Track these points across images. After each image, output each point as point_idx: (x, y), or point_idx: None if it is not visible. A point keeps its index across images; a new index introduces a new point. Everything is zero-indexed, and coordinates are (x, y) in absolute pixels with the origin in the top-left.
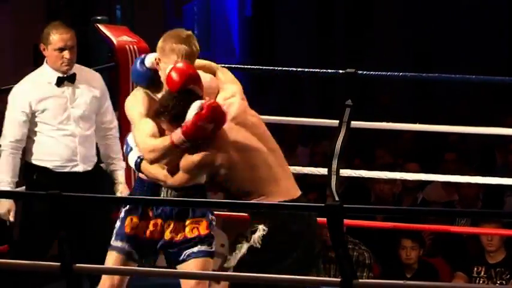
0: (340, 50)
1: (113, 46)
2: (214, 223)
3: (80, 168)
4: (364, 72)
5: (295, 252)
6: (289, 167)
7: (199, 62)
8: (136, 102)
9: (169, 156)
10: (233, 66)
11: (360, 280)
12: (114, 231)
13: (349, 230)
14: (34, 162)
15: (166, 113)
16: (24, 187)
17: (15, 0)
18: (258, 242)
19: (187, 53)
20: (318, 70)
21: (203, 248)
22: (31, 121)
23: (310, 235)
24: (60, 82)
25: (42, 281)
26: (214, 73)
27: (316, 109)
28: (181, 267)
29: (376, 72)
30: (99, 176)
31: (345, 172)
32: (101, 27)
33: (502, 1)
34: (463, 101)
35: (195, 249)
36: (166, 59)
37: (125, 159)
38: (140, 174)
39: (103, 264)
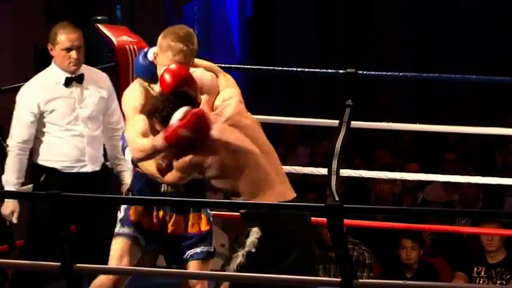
0: (340, 50)
1: (113, 46)
2: (211, 218)
3: (88, 168)
4: (364, 72)
5: (292, 254)
6: (290, 167)
7: (203, 62)
8: (132, 96)
9: (157, 156)
10: (233, 66)
11: (360, 280)
12: (118, 219)
13: (349, 230)
14: (42, 163)
15: (157, 114)
16: (29, 186)
17: (15, 0)
18: (253, 245)
19: (183, 51)
20: (318, 70)
21: (205, 248)
22: (39, 122)
23: (307, 236)
24: (68, 82)
25: (44, 280)
26: (216, 76)
27: (316, 109)
28: (184, 268)
29: (376, 72)
30: (107, 176)
31: (345, 172)
32: (101, 27)
33: (502, 1)
34: (463, 101)
35: (198, 249)
36: (163, 55)
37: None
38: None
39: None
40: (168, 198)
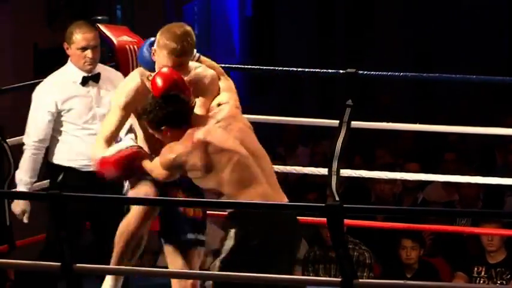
0: (340, 50)
1: (113, 46)
2: None
3: None
4: (365, 72)
5: (271, 258)
6: (290, 167)
7: (208, 62)
8: (123, 91)
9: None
10: (233, 66)
11: (361, 280)
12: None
13: (350, 230)
14: (59, 162)
15: (144, 116)
16: (44, 182)
17: (15, 0)
18: (229, 250)
19: (178, 51)
20: (318, 70)
21: (203, 237)
22: (56, 121)
23: (289, 241)
24: (85, 81)
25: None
26: (218, 77)
27: (316, 109)
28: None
29: (377, 72)
30: None
31: (345, 172)
32: (101, 27)
33: (502, 1)
34: (463, 101)
35: (201, 237)
36: (160, 52)
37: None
38: None
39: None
40: (169, 198)
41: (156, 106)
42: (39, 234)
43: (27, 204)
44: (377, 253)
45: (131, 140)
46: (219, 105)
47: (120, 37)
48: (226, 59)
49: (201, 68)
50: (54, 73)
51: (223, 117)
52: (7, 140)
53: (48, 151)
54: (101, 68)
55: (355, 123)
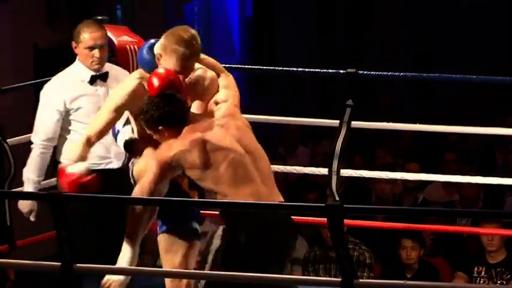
0: (340, 50)
1: (114, 46)
2: None
3: (114, 165)
4: (365, 72)
5: (258, 257)
6: (290, 167)
7: (208, 60)
8: (120, 93)
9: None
10: (233, 66)
11: (361, 280)
12: None
13: (350, 230)
14: (67, 161)
15: (141, 116)
16: (52, 180)
17: (15, 0)
18: (217, 249)
19: (188, 56)
20: (319, 70)
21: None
22: (64, 119)
23: (277, 240)
24: (93, 80)
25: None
26: (219, 75)
27: (316, 109)
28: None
29: (377, 72)
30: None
31: (346, 172)
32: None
33: (502, 1)
34: (463, 101)
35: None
36: (167, 57)
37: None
38: None
39: None
40: (169, 198)
41: (153, 106)
42: (39, 234)
43: (34, 203)
44: (377, 253)
45: (129, 131)
46: (217, 103)
47: (120, 37)
48: (226, 59)
49: (200, 70)
50: (62, 72)
51: (221, 115)
52: (7, 140)
53: (56, 150)
54: (108, 66)
55: (355, 123)
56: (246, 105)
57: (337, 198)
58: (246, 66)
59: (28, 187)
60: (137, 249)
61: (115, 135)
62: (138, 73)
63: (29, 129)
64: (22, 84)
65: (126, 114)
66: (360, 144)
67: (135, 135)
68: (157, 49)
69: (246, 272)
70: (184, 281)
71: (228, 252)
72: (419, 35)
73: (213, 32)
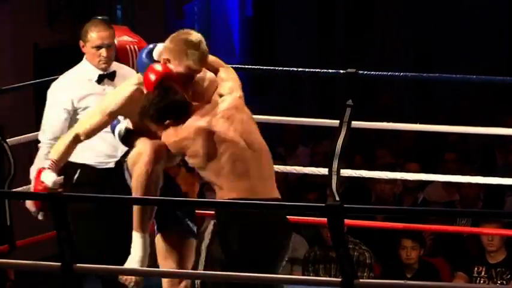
0: (340, 50)
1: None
2: None
3: None
4: (365, 72)
5: (254, 254)
6: (290, 167)
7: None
8: (117, 97)
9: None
10: (233, 66)
11: (361, 280)
12: None
13: (350, 230)
14: (74, 159)
15: (146, 113)
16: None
17: (15, 0)
18: (208, 243)
19: (201, 58)
20: (319, 70)
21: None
22: (72, 118)
23: (273, 236)
24: (100, 79)
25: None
26: (217, 69)
27: (316, 109)
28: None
29: (377, 72)
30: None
31: (346, 172)
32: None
33: (502, 1)
34: (463, 101)
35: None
36: (176, 62)
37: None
38: None
39: None
40: (169, 198)
41: (156, 99)
42: (39, 234)
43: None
44: (377, 253)
45: (126, 124)
46: (221, 96)
47: (120, 37)
48: (226, 59)
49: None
50: (69, 71)
51: (226, 107)
52: (7, 140)
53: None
54: (115, 65)
55: (355, 123)
56: (246, 105)
57: (337, 198)
58: (246, 66)
59: None
60: (148, 239)
61: (113, 127)
62: (137, 78)
63: (29, 129)
64: (22, 84)
65: None
66: (360, 144)
67: (131, 126)
68: (163, 54)
69: (233, 268)
70: (182, 283)
71: (217, 248)
72: (420, 35)
73: (213, 32)
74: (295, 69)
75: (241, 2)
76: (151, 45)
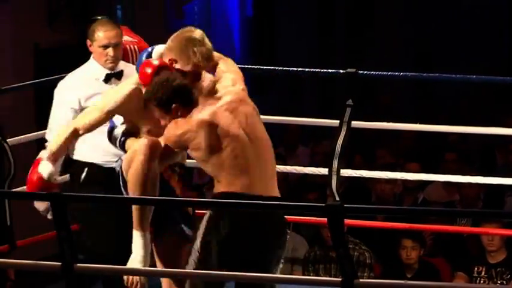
0: (340, 50)
1: None
2: None
3: None
4: (365, 72)
5: (245, 250)
6: (290, 167)
7: None
8: (116, 96)
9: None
10: None
11: (361, 280)
12: None
13: (350, 229)
14: (81, 158)
15: (153, 98)
16: (65, 177)
17: (15, 0)
18: (202, 235)
19: (207, 54)
20: (319, 70)
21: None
22: None
23: (266, 233)
24: (108, 79)
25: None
26: (217, 62)
27: (316, 109)
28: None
29: (377, 72)
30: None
31: (346, 172)
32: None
33: (502, 1)
34: (463, 101)
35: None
36: (183, 61)
37: (108, 136)
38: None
39: None
40: (169, 198)
41: (162, 83)
42: (39, 234)
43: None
44: (377, 253)
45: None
46: (224, 88)
47: None
48: None
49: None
50: (76, 70)
51: (230, 100)
52: (7, 140)
53: (69, 147)
54: (123, 65)
55: (355, 123)
56: None
57: (337, 198)
58: (246, 66)
59: None
60: (148, 237)
61: (110, 129)
62: (136, 78)
63: (29, 129)
64: (22, 84)
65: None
66: (360, 144)
67: (126, 131)
68: (165, 55)
69: (223, 255)
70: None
71: (207, 238)
72: (420, 35)
73: (213, 31)
74: (295, 69)
75: (241, 1)
76: (149, 48)
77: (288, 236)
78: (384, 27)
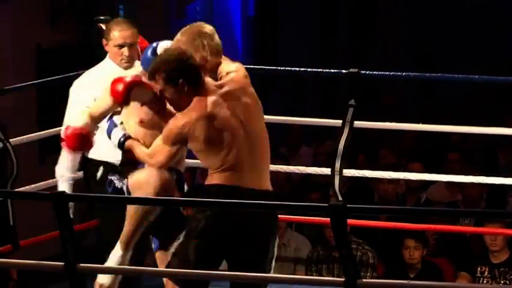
0: (343, 50)
1: None
2: None
3: None
4: (367, 72)
5: (232, 240)
6: (293, 166)
7: None
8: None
9: None
10: None
11: (364, 280)
12: None
13: (353, 229)
14: (96, 157)
15: (160, 72)
16: (79, 174)
17: (15, 0)
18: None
19: (216, 49)
20: (321, 70)
21: None
22: None
23: (254, 225)
24: None
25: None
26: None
27: (319, 109)
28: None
29: (379, 72)
30: None
31: (349, 172)
32: (104, 27)
33: (504, 1)
34: (466, 101)
35: None
36: (193, 52)
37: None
38: None
39: None
40: (169, 198)
41: (177, 57)
42: (42, 234)
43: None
44: (380, 253)
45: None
46: (228, 73)
47: None
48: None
49: None
50: (91, 69)
51: (232, 88)
52: (10, 140)
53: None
54: (138, 64)
55: (358, 123)
56: None
57: (340, 198)
58: (248, 66)
59: (63, 184)
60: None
61: (110, 129)
62: (140, 73)
63: (31, 129)
64: (24, 84)
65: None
66: (362, 144)
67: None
68: (165, 44)
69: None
70: None
71: (189, 224)
72: (422, 35)
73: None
74: (297, 69)
75: (244, 2)
76: (154, 44)
77: (278, 222)
78: (386, 28)
